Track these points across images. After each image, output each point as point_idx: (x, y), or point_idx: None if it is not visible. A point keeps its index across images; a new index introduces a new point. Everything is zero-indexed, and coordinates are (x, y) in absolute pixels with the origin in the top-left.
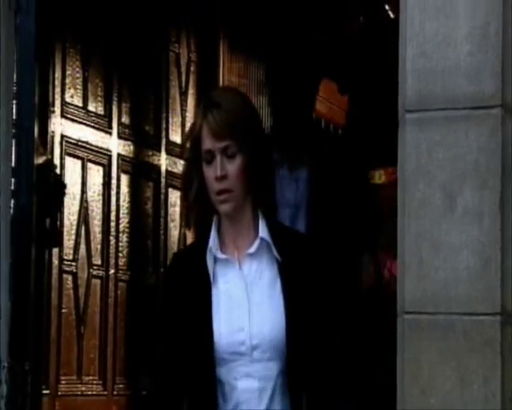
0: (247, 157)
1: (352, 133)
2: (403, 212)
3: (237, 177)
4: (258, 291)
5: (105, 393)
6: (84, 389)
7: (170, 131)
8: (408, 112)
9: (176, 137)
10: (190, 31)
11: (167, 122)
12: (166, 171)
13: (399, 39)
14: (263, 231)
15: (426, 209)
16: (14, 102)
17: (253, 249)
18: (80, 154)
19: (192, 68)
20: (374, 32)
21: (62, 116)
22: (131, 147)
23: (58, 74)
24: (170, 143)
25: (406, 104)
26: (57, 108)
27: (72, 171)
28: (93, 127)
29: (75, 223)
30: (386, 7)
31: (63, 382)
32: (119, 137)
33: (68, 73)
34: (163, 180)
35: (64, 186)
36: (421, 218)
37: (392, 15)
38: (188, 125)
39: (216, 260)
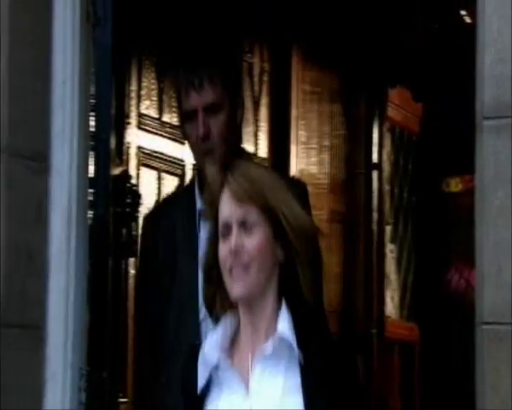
0: (270, 231)
1: (428, 141)
2: (481, 220)
3: (254, 250)
4: (270, 404)
5: None
6: None
7: (243, 141)
8: (486, 119)
9: (248, 147)
10: (263, 40)
11: (241, 132)
12: None
13: (476, 45)
14: (283, 326)
15: (504, 217)
16: (92, 114)
17: (268, 351)
18: (155, 164)
19: (265, 78)
20: (449, 38)
21: (138, 127)
22: None
23: (134, 86)
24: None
25: (484, 111)
26: (133, 120)
27: (147, 181)
28: (168, 138)
29: None
30: (462, 12)
31: None
32: None
33: (144, 84)
34: None
35: (139, 196)
36: (500, 226)
37: (467, 21)
38: (260, 135)
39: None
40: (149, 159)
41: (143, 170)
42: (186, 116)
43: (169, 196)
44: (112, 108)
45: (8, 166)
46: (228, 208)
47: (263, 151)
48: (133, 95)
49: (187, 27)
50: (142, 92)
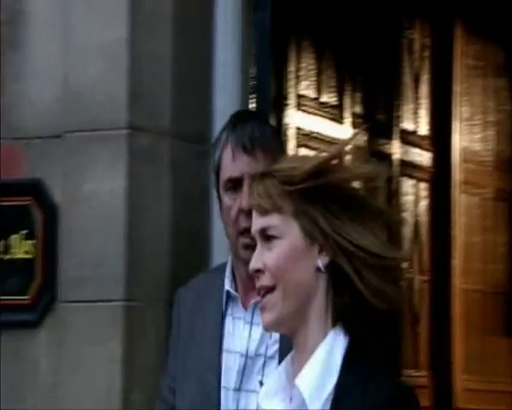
0: (300, 232)
1: None
2: None
3: (273, 267)
4: None
5: None
6: None
7: (403, 119)
8: None
9: (409, 125)
10: (424, 15)
11: (400, 110)
12: (399, 160)
13: None
14: (302, 378)
15: None
16: (252, 96)
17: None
18: (314, 145)
19: (426, 54)
20: None
21: (297, 108)
22: (364, 136)
23: (292, 67)
24: (403, 132)
25: None
26: (292, 101)
27: None
28: (326, 118)
29: None
30: None
31: None
32: (352, 127)
33: (302, 65)
34: (396, 169)
35: None
36: None
37: None
38: (421, 112)
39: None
40: (308, 139)
41: (302, 151)
42: (227, 184)
43: (206, 274)
44: (271, 90)
45: (172, 150)
46: (253, 219)
47: (424, 129)
48: (292, 76)
49: (344, 5)
50: (301, 73)
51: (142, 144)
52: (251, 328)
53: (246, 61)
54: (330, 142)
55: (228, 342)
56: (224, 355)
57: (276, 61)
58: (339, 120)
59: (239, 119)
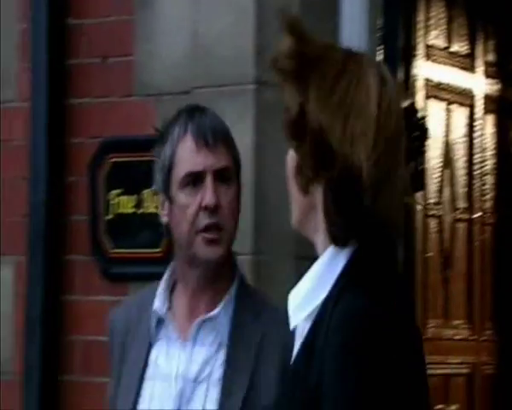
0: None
1: None
2: None
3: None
4: None
5: (474, 338)
6: (451, 333)
7: None
8: None
9: None
10: None
11: None
12: None
13: None
14: (294, 295)
15: None
16: (379, 47)
17: None
18: (444, 96)
19: None
20: None
21: (425, 59)
22: (497, 86)
23: (421, 17)
24: None
25: None
26: (420, 51)
27: (435, 113)
28: (457, 68)
29: (439, 166)
30: None
31: (430, 325)
32: (485, 76)
33: (432, 14)
34: None
35: (427, 130)
36: None
37: None
38: None
39: None
40: (437, 90)
41: (431, 102)
42: (185, 180)
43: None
44: (399, 41)
45: None
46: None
47: None
48: (421, 25)
49: None
50: (430, 22)
51: (268, 99)
52: (193, 348)
53: (373, 12)
54: (461, 93)
55: (158, 368)
56: (151, 383)
57: (404, 11)
58: (470, 69)
59: (192, 110)
